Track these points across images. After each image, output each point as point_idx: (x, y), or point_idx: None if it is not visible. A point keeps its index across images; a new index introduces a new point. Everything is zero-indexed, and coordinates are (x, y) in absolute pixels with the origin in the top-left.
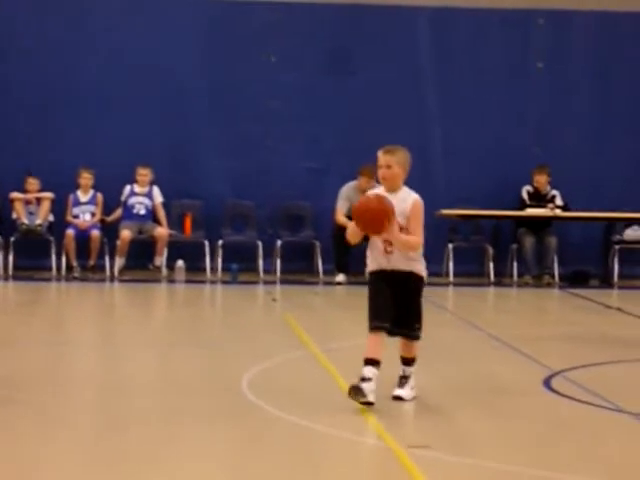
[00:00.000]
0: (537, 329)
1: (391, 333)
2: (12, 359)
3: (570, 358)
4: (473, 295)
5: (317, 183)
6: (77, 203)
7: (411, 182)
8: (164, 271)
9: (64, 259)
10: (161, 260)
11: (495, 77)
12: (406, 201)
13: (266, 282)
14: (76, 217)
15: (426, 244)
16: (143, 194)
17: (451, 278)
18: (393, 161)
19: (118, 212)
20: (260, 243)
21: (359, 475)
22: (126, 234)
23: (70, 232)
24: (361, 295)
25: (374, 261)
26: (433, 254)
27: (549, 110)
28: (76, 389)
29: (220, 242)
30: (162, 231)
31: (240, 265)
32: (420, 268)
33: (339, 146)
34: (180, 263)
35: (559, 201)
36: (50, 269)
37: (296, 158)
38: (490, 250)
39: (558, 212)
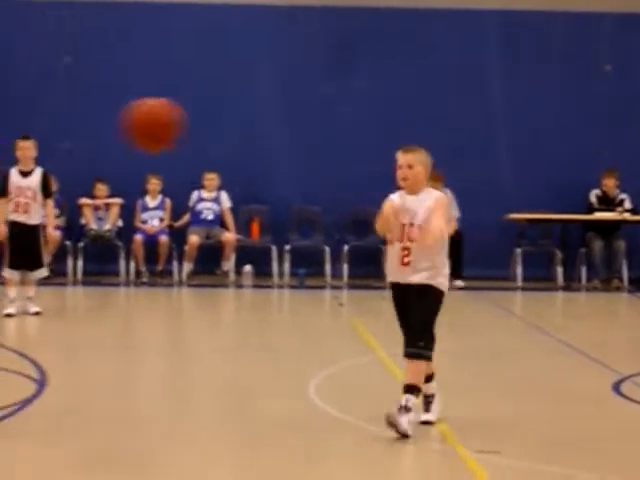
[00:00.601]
0: (606, 334)
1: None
2: (81, 364)
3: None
4: (541, 300)
5: (384, 188)
6: (145, 209)
7: (478, 186)
8: (232, 276)
9: (132, 264)
10: (229, 265)
11: (563, 80)
12: (428, 200)
13: (333, 287)
14: (144, 222)
15: (494, 248)
16: (211, 199)
17: (519, 282)
18: (415, 160)
19: (186, 217)
20: (327, 248)
21: None
22: (194, 239)
23: (138, 237)
24: None
25: (390, 272)
26: (501, 258)
27: (617, 113)
28: (145, 394)
29: (287, 247)
30: (230, 236)
31: (307, 270)
32: (441, 281)
33: None
34: (248, 268)
35: (628, 205)
36: (118, 274)
37: (363, 163)
38: (558, 254)
39: (627, 216)
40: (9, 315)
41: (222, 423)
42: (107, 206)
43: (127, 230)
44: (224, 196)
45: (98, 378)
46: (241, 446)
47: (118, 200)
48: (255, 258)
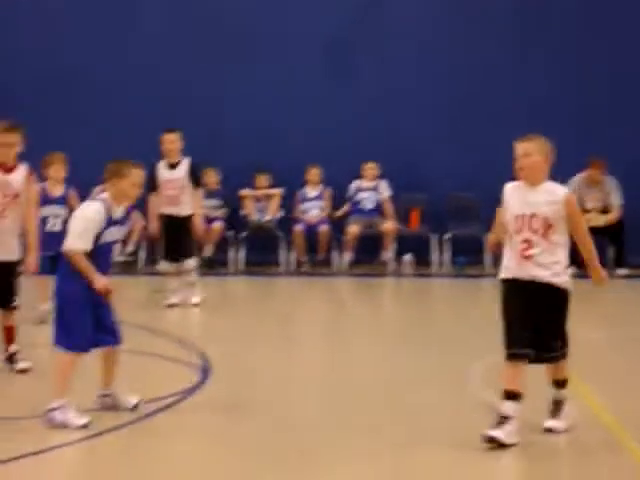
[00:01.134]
0: None
1: (530, 360)
2: (243, 355)
3: None
4: None
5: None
6: (305, 199)
7: None
8: (392, 265)
9: (293, 254)
10: (388, 254)
11: None
12: (553, 195)
13: (493, 275)
14: (305, 213)
15: None
16: (370, 189)
17: None
18: (532, 149)
19: (346, 207)
20: (485, 237)
21: None
22: (354, 229)
23: (299, 227)
24: (591, 290)
25: (508, 266)
26: None
27: None
28: (306, 387)
29: (447, 236)
30: (389, 225)
31: (467, 258)
32: (565, 279)
33: (570, 136)
34: (407, 257)
35: None
36: (279, 264)
37: None
38: None
39: None
40: (172, 305)
41: (380, 412)
42: (268, 197)
43: (287, 220)
44: (384, 185)
45: (260, 370)
46: (404, 434)
47: (278, 191)
48: (415, 247)
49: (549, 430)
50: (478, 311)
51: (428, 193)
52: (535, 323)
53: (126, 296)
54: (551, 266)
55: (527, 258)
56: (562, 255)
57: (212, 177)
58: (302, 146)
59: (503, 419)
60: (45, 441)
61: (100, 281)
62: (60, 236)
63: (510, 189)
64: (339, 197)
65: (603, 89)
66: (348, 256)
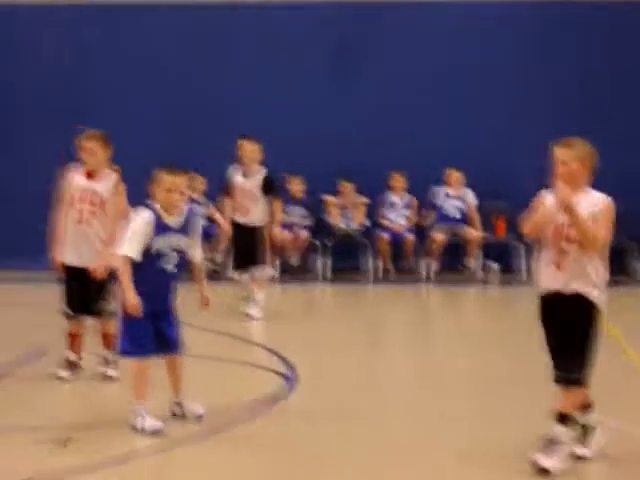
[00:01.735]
0: None
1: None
2: (330, 362)
3: None
4: None
5: (628, 182)
6: (391, 206)
7: None
8: (477, 273)
9: (379, 262)
10: (473, 262)
11: None
12: (591, 204)
13: None
14: (390, 221)
15: None
16: (456, 197)
17: None
18: (570, 156)
19: (431, 215)
20: None
21: None
22: (439, 237)
23: (384, 235)
24: None
25: (543, 279)
26: None
27: None
28: (393, 395)
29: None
30: (474, 233)
31: None
32: (597, 294)
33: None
34: (493, 265)
35: None
36: (365, 271)
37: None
38: None
39: None
40: (248, 315)
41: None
42: (353, 204)
43: (373, 228)
44: (469, 194)
45: (348, 377)
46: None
47: (363, 199)
48: (501, 255)
49: (580, 458)
50: None
51: (513, 200)
52: (558, 336)
53: (211, 304)
54: (586, 278)
55: (561, 269)
56: (601, 270)
57: (297, 185)
58: (385, 152)
59: (551, 443)
60: (126, 449)
61: (131, 300)
62: None
63: (548, 196)
64: (422, 204)
65: None
66: (433, 264)
